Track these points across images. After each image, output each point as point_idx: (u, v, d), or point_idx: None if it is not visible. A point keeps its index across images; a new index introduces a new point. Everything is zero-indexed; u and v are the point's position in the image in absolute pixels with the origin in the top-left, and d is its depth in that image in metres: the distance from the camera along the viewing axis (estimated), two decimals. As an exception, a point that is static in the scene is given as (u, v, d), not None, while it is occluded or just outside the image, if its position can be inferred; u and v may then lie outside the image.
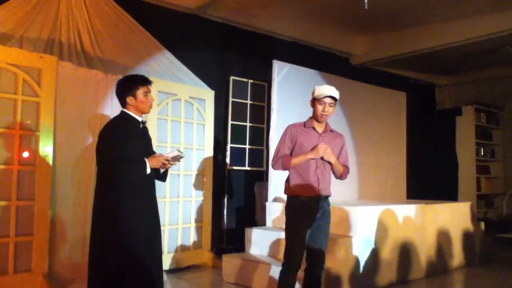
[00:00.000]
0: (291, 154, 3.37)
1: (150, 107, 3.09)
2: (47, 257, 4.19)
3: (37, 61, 4.26)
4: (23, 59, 4.19)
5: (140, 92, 3.00)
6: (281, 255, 4.80)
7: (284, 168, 3.35)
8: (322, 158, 3.32)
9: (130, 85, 3.01)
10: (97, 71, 4.74)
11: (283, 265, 3.36)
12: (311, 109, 3.43)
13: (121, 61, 5.02)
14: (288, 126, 3.47)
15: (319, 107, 3.32)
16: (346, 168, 3.50)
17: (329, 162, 3.35)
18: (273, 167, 3.44)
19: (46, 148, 4.26)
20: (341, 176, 3.49)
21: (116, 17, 5.09)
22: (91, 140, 4.54)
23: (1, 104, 4.08)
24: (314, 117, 3.40)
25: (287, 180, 3.41)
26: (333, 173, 3.46)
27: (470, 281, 5.49)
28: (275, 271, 4.42)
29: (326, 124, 3.46)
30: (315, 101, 3.35)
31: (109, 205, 2.89)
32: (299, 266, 3.32)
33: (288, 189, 3.40)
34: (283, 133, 3.47)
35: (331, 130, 3.48)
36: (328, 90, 3.29)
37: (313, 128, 3.40)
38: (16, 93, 4.16)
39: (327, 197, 3.40)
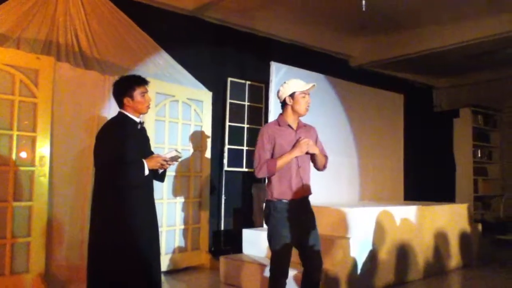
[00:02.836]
0: (271, 157, 3.22)
1: (148, 107, 3.07)
2: (44, 258, 4.18)
3: (34, 61, 4.25)
4: (20, 59, 4.19)
5: (137, 93, 2.99)
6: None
7: (270, 173, 3.17)
8: (306, 153, 3.22)
9: (127, 86, 3.00)
10: (94, 72, 4.73)
11: (271, 271, 3.26)
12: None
13: (119, 62, 5.02)
14: (263, 128, 3.30)
15: (303, 100, 3.22)
16: (326, 157, 3.41)
17: (312, 155, 3.26)
18: (257, 175, 3.22)
19: (43, 149, 4.25)
20: (324, 166, 3.40)
21: (114, 18, 5.09)
22: (88, 141, 4.53)
23: (-2, 105, 4.07)
24: (294, 113, 3.25)
25: (269, 185, 3.26)
26: (316, 165, 3.35)
27: (467, 282, 5.49)
28: (273, 272, 4.42)
29: (299, 120, 3.34)
30: (294, 96, 3.21)
31: (107, 207, 2.88)
32: (288, 271, 3.25)
33: (271, 194, 3.24)
34: (258, 136, 3.26)
35: (304, 125, 3.38)
36: (307, 81, 3.25)
37: (289, 125, 3.27)
38: (13, 94, 4.15)
39: (308, 197, 3.33)
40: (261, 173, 3.20)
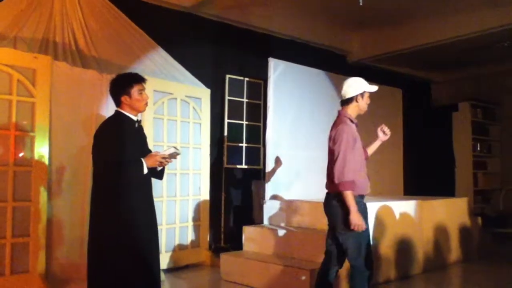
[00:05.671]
0: None
1: (145, 105, 3.06)
2: (44, 257, 4.18)
3: (31, 61, 4.24)
4: (17, 59, 4.18)
5: (134, 90, 2.97)
6: (279, 251, 4.82)
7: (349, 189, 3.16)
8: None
9: (124, 84, 2.98)
10: (92, 70, 4.72)
11: (363, 272, 3.20)
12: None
13: (116, 60, 5.01)
14: (343, 127, 3.23)
15: (367, 101, 3.36)
16: None
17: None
18: (343, 177, 3.14)
19: (41, 149, 4.24)
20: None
21: (111, 16, 5.07)
22: (87, 139, 4.52)
23: (-4, 105, 4.06)
24: (359, 110, 3.37)
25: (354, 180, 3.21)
26: None
27: (468, 276, 5.50)
28: (273, 268, 4.42)
29: None
30: (364, 95, 3.33)
31: (106, 206, 2.87)
32: None
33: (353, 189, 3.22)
34: (342, 136, 3.20)
35: None
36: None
37: (355, 123, 3.36)
38: (11, 93, 4.15)
39: None
40: (352, 176, 3.18)
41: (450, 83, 9.82)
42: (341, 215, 3.21)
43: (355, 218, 3.12)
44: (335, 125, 3.33)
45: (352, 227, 3.13)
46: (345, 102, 3.36)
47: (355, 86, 3.32)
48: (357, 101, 3.32)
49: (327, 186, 3.41)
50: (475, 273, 5.55)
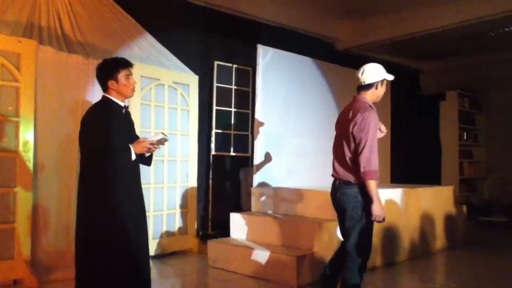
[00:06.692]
0: None
1: (133, 90, 3.02)
2: (29, 244, 4.14)
3: (15, 45, 4.16)
4: (1, 43, 4.09)
5: (121, 75, 2.93)
6: (267, 238, 4.84)
7: (374, 179, 3.05)
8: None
9: (111, 69, 2.94)
10: (78, 55, 4.65)
11: (357, 261, 3.15)
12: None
13: (103, 45, 4.93)
14: (369, 113, 3.12)
15: (384, 89, 3.29)
16: None
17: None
18: (370, 168, 3.04)
19: (26, 134, 4.18)
20: None
21: (97, 1, 4.98)
22: (73, 125, 4.47)
23: (-21, 89, 3.99)
24: (376, 98, 3.29)
25: (358, 168, 3.10)
26: None
27: (453, 263, 5.58)
28: (260, 255, 4.44)
29: None
30: (383, 82, 3.27)
31: (94, 193, 2.84)
32: None
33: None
34: (370, 123, 3.09)
35: None
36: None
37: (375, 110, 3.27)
38: (-5, 78, 4.07)
39: None
40: (373, 174, 3.05)
41: (438, 73, 9.88)
42: (358, 204, 3.13)
43: (378, 209, 3.05)
44: (358, 110, 3.17)
45: (373, 218, 3.06)
46: (364, 87, 3.27)
47: (376, 72, 3.25)
48: (376, 88, 3.26)
49: (341, 173, 3.26)
50: (460, 260, 5.63)
